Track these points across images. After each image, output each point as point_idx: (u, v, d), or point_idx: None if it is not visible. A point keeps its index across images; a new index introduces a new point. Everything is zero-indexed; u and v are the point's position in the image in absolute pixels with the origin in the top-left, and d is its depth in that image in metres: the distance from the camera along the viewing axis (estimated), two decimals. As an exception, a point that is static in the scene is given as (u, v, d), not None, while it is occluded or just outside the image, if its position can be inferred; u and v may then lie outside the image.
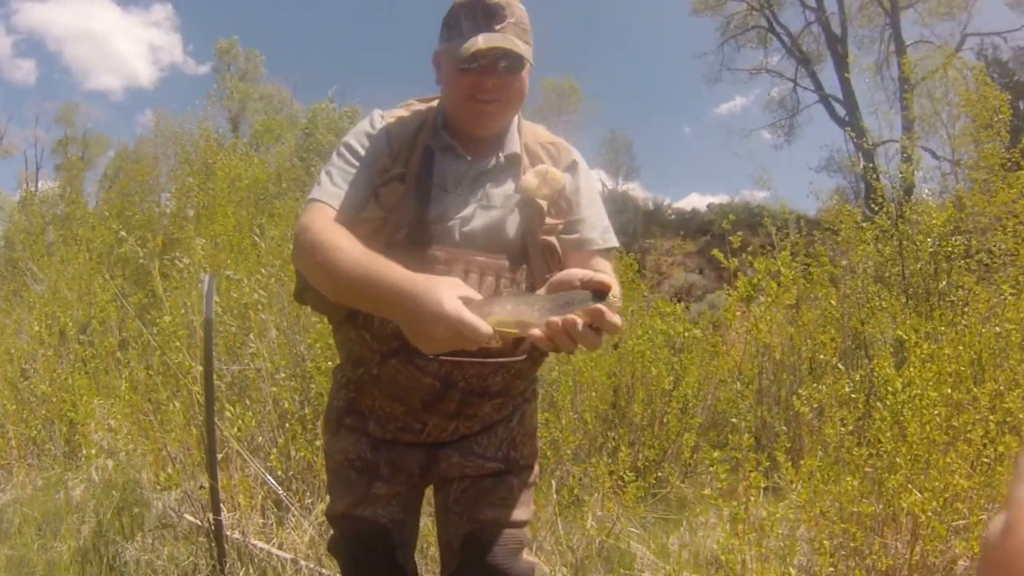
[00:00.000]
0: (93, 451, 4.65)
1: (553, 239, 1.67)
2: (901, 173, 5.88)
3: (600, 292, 1.33)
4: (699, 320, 5.23)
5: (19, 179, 39.09)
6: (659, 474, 4.12)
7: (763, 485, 2.74)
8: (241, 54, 38.18)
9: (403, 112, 1.78)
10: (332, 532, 1.90)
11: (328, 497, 1.92)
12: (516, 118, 1.78)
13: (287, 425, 3.54)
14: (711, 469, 2.70)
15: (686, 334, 4.69)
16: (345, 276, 1.49)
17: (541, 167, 1.70)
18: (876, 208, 5.60)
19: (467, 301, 1.35)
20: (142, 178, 10.04)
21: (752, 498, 2.65)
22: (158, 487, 3.70)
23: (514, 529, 1.78)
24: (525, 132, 1.79)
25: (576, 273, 1.38)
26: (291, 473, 3.59)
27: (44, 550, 3.53)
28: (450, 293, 1.34)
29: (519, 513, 1.79)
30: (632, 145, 38.43)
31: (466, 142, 1.72)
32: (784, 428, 4.41)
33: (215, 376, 3.62)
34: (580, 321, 1.29)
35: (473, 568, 1.76)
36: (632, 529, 3.46)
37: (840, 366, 4.28)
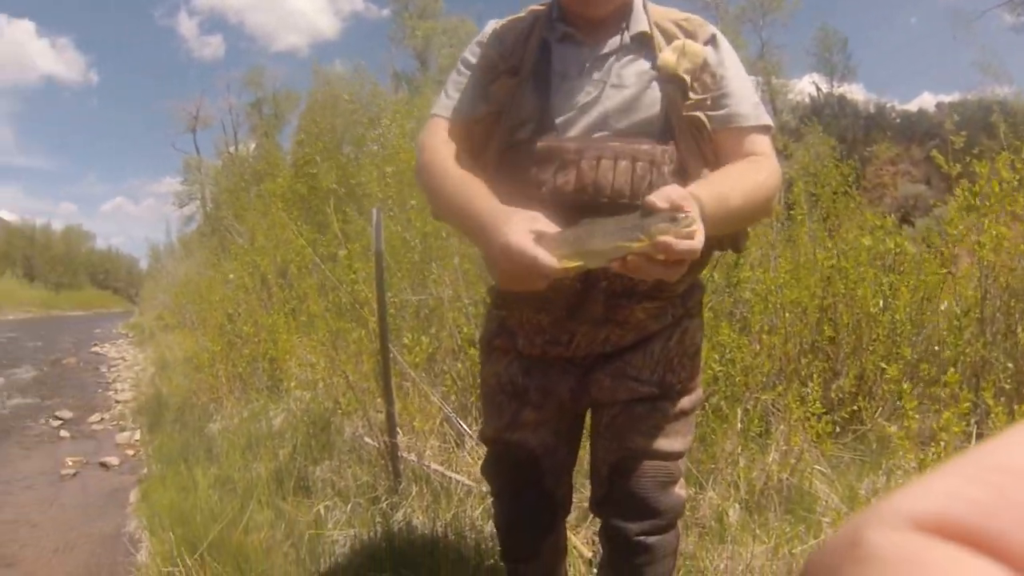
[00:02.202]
0: (292, 384, 5.19)
1: (701, 115, 1.59)
2: None
3: (674, 214, 1.26)
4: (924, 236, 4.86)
5: (219, 146, 43.13)
6: (854, 408, 3.85)
7: (971, 431, 2.54)
8: (418, -9, 39.23)
9: (521, 13, 1.77)
10: (485, 454, 1.97)
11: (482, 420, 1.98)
12: None
13: (469, 351, 3.71)
14: (899, 403, 2.50)
15: (897, 251, 4.41)
16: (443, 202, 1.61)
17: (678, 42, 1.62)
18: None
19: (540, 235, 1.34)
20: (323, 127, 10.67)
21: (946, 443, 2.44)
22: (339, 413, 4.08)
23: (664, 460, 1.73)
24: (653, 11, 1.69)
25: (663, 192, 1.32)
26: (471, 400, 3.76)
27: (246, 470, 4.04)
28: (519, 227, 1.35)
29: (672, 443, 1.73)
30: (847, 42, 36.11)
31: (585, 28, 1.67)
32: (1009, 365, 4.04)
33: (396, 305, 3.89)
34: (637, 259, 1.28)
35: (619, 498, 1.75)
36: (819, 468, 3.30)
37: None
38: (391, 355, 3.32)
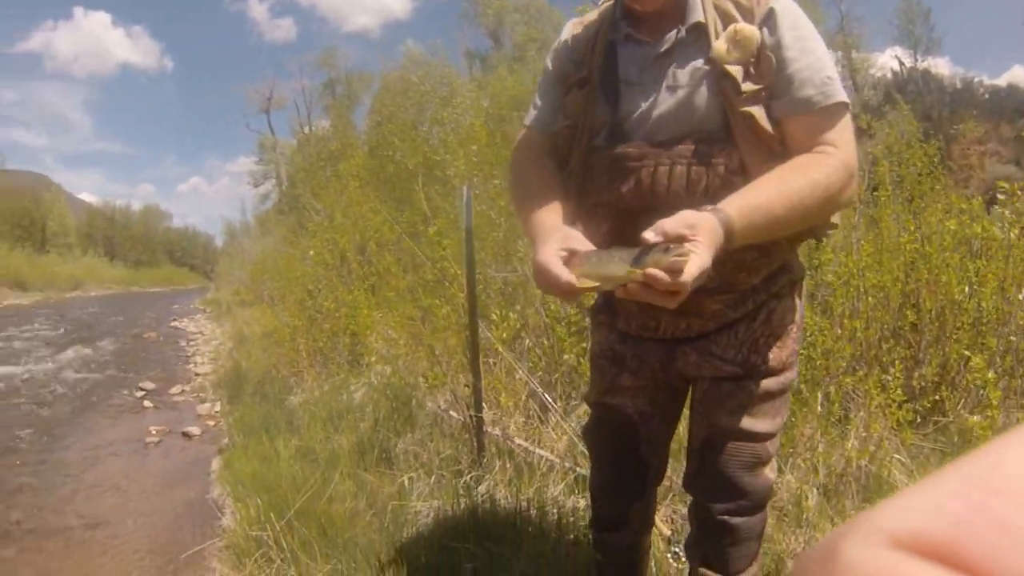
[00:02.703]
0: (373, 359, 5.30)
1: (754, 109, 1.52)
2: None
3: (668, 246, 1.32)
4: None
5: (293, 126, 44.04)
6: (936, 398, 3.74)
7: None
8: (490, -31, 38.87)
9: (593, 15, 1.80)
10: (587, 419, 2.04)
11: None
12: None
13: (555, 328, 3.76)
14: (983, 394, 2.41)
15: (984, 236, 4.24)
16: (517, 213, 1.77)
17: (731, 28, 1.54)
18: None
19: (572, 254, 1.46)
20: (394, 110, 10.76)
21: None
22: (421, 387, 4.15)
23: (751, 441, 1.74)
24: None
25: (659, 225, 1.35)
26: (555, 376, 3.80)
27: (327, 442, 4.15)
28: (552, 247, 1.47)
29: (757, 424, 1.73)
30: (931, 12, 34.46)
31: (643, 26, 1.65)
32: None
33: (481, 282, 3.95)
34: (635, 287, 1.35)
35: (707, 475, 1.79)
36: (898, 457, 3.22)
37: None
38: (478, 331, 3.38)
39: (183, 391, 7.68)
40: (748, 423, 1.72)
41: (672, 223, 1.34)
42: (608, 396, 1.88)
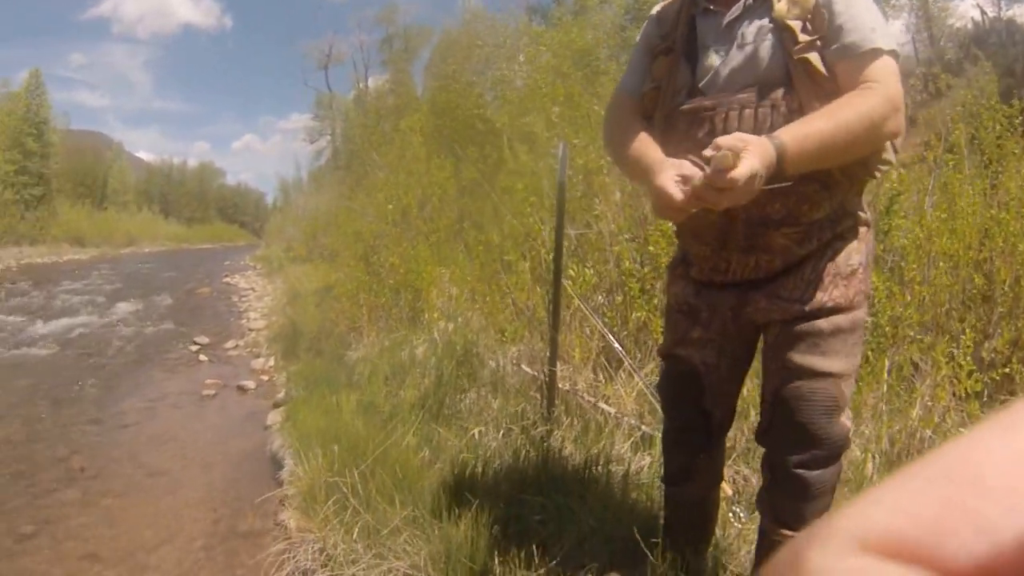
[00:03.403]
0: (435, 315, 5.31)
1: (810, 56, 1.72)
2: None
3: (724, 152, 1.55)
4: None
5: (351, 80, 44.31)
6: (1006, 371, 3.61)
7: None
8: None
9: None
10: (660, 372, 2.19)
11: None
12: None
13: (627, 285, 3.84)
14: None
15: None
16: (622, 154, 1.94)
17: None
18: None
19: (685, 178, 1.66)
20: (455, 68, 10.67)
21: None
22: (503, 341, 4.20)
23: (826, 382, 1.80)
24: None
25: (716, 140, 1.58)
26: (624, 333, 3.86)
27: (390, 397, 4.22)
28: (668, 172, 1.68)
29: (831, 363, 1.80)
30: None
31: None
32: None
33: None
34: (700, 188, 1.60)
35: (784, 425, 1.85)
36: (963, 431, 3.11)
37: None
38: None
39: (237, 346, 7.84)
40: (821, 362, 1.80)
41: (726, 137, 1.59)
42: (678, 348, 2.06)
